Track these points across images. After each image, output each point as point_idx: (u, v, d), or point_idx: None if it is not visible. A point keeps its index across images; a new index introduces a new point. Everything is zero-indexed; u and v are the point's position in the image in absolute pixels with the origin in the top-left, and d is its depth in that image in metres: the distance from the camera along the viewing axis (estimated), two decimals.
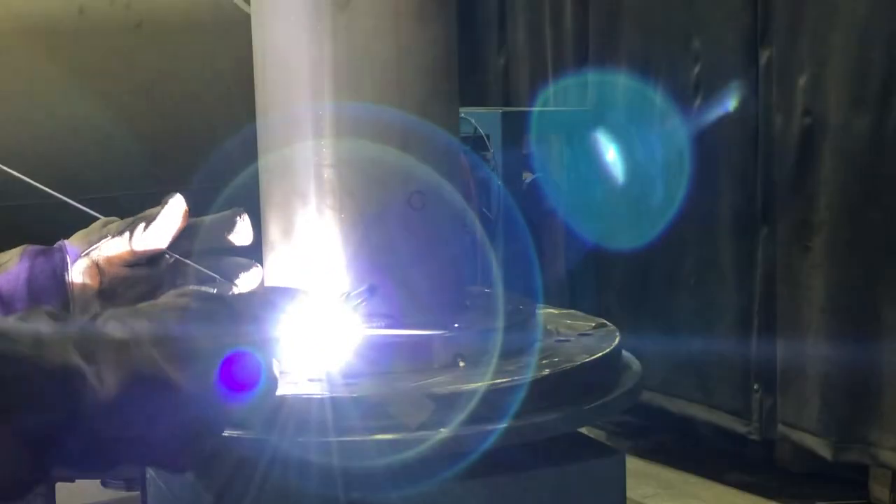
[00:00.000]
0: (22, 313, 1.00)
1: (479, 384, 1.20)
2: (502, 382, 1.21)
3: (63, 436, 0.94)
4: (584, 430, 1.35)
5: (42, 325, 0.96)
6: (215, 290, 1.29)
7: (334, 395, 1.18)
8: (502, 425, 1.18)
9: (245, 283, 1.31)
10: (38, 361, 0.93)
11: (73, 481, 2.33)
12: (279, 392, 1.11)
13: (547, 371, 1.26)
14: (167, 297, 1.10)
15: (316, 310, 1.18)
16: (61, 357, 0.94)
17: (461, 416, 1.16)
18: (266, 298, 1.15)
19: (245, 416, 1.10)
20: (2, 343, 0.93)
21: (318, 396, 1.17)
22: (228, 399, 1.04)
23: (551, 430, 1.22)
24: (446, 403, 1.17)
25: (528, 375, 1.24)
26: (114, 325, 1.00)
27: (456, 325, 1.32)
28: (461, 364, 1.27)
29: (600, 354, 1.33)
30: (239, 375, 1.05)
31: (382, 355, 1.26)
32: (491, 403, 1.18)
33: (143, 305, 1.09)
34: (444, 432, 1.15)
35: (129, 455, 1.01)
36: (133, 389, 0.97)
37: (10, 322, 0.97)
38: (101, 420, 0.96)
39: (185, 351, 1.01)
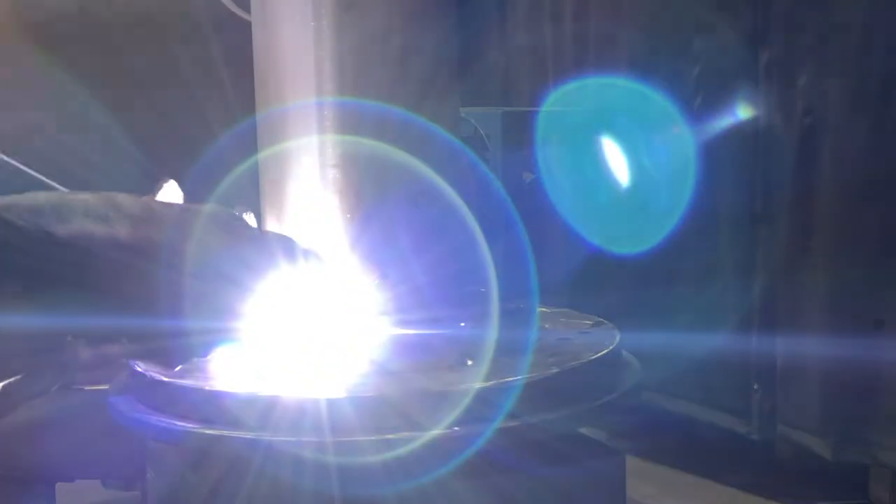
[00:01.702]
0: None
1: (492, 382, 1.20)
2: (515, 380, 1.22)
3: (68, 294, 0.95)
4: (583, 429, 1.35)
5: (38, 196, 0.98)
6: None
7: (352, 395, 1.17)
8: (517, 422, 1.19)
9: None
10: (39, 225, 0.94)
11: (73, 481, 2.33)
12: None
13: (556, 369, 1.26)
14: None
15: (324, 282, 1.19)
16: (63, 224, 0.95)
17: (477, 413, 1.17)
18: (284, 239, 1.16)
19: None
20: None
21: (338, 397, 1.17)
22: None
23: (567, 426, 1.23)
24: (461, 402, 1.17)
25: (539, 373, 1.24)
26: (130, 202, 1.02)
27: (462, 325, 1.32)
28: (469, 363, 1.27)
29: (606, 351, 1.33)
30: None
31: (392, 354, 1.26)
32: (505, 401, 1.19)
33: (158, 200, 1.11)
34: (458, 430, 1.15)
35: (124, 308, 1.01)
36: (145, 254, 0.98)
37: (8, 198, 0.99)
38: (114, 265, 0.97)
39: (196, 237, 1.03)
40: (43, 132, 2.19)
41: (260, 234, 1.14)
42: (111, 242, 0.98)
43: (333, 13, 1.29)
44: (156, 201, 1.07)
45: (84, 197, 1.02)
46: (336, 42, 1.29)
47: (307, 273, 1.15)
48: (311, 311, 1.19)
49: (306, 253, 1.16)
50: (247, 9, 2.26)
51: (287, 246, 1.14)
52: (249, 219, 1.35)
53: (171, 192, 1.34)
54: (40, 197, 1.00)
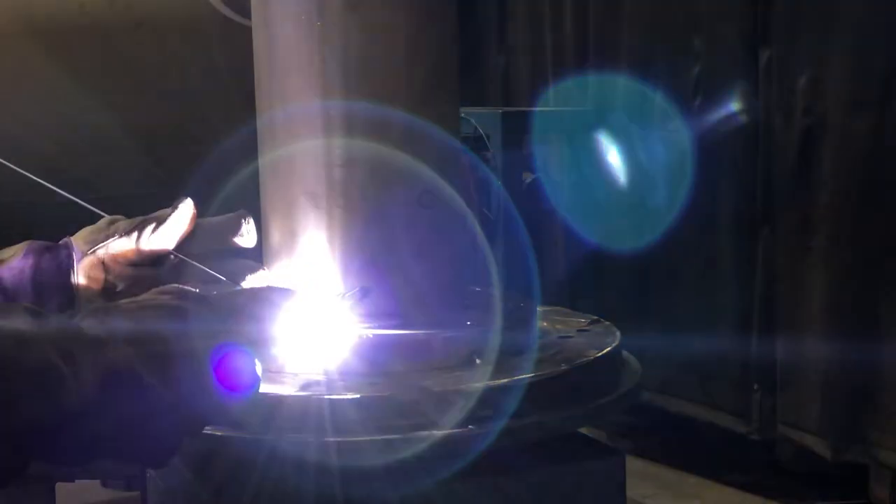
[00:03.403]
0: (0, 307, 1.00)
1: (505, 380, 1.21)
2: (526, 378, 1.22)
3: (42, 433, 0.95)
4: (583, 429, 1.35)
5: (22, 324, 0.97)
6: (215, 291, 1.29)
7: (364, 394, 1.17)
8: (534, 419, 1.19)
9: (251, 285, 1.31)
10: (18, 359, 0.93)
11: (72, 481, 2.33)
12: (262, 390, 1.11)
13: (564, 366, 1.26)
14: (148, 294, 1.10)
15: (310, 308, 1.18)
16: (41, 356, 0.94)
17: (491, 412, 1.17)
18: (255, 296, 1.14)
19: (228, 414, 1.10)
20: None
21: (354, 397, 1.17)
22: (206, 399, 1.04)
23: (581, 423, 1.24)
24: (475, 400, 1.17)
25: (549, 371, 1.24)
26: (91, 323, 1.00)
27: (468, 324, 1.32)
28: (477, 361, 1.27)
29: (610, 348, 1.34)
30: (222, 377, 1.05)
31: (400, 354, 1.26)
32: (518, 399, 1.19)
33: (122, 302, 1.09)
34: (474, 429, 1.15)
35: (107, 451, 1.01)
36: (109, 389, 0.97)
37: None
38: (80, 418, 0.96)
39: (161, 350, 1.01)
40: (42, 132, 2.19)
41: (227, 304, 1.12)
42: (76, 383, 0.96)
43: (338, 13, 1.29)
44: (122, 314, 1.04)
45: (50, 330, 0.99)
46: (341, 42, 1.29)
47: (294, 312, 1.15)
48: (310, 324, 1.19)
49: (284, 294, 1.15)
50: (240, 11, 2.27)
51: (256, 305, 1.13)
52: (249, 224, 1.34)
53: (249, 232, 1.33)
54: (23, 325, 0.98)
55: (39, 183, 1.31)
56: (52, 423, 0.95)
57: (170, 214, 1.32)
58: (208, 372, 1.03)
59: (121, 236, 1.32)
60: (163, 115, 2.30)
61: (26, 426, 0.93)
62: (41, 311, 1.00)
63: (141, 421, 1.00)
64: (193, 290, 1.12)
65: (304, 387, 1.20)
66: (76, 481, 2.32)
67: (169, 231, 1.31)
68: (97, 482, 2.36)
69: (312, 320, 1.19)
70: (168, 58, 2.33)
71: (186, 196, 1.33)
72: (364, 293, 1.23)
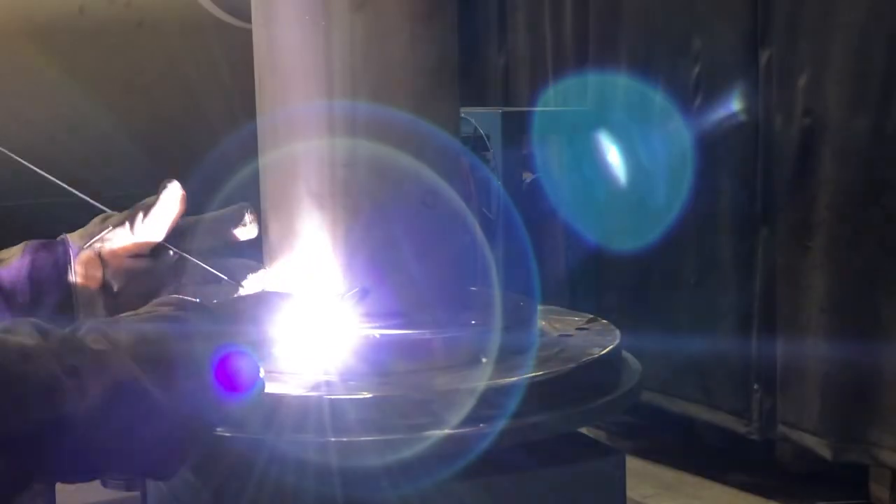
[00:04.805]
0: (7, 324, 1.01)
1: (514, 379, 1.21)
2: (537, 376, 1.22)
3: (47, 446, 0.95)
4: (583, 429, 1.35)
5: (27, 339, 0.97)
6: (216, 290, 1.29)
7: (376, 394, 1.17)
8: (545, 416, 1.19)
9: (251, 283, 1.31)
10: (23, 374, 0.94)
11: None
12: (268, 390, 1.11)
13: (572, 364, 1.26)
14: (149, 307, 1.11)
15: (310, 311, 1.18)
16: (45, 370, 0.95)
17: (501, 411, 1.17)
18: (254, 303, 1.15)
19: (232, 418, 1.11)
20: None
21: (364, 396, 1.17)
22: (209, 406, 1.05)
23: (592, 420, 1.24)
24: (485, 399, 1.17)
25: (557, 369, 1.24)
26: (94, 337, 1.01)
27: (472, 323, 1.32)
28: (483, 361, 1.27)
29: (613, 346, 1.34)
30: (224, 380, 1.05)
31: (405, 354, 1.26)
32: (529, 397, 1.19)
33: (124, 315, 1.10)
34: (484, 427, 1.15)
35: (114, 464, 1.02)
36: (114, 401, 0.97)
37: None
38: (85, 431, 0.96)
39: (164, 361, 1.02)
40: (43, 132, 2.19)
41: (229, 311, 1.13)
42: (80, 396, 0.97)
43: (343, 13, 1.28)
44: (122, 331, 1.05)
45: (53, 345, 0.99)
46: (346, 43, 1.29)
47: (294, 315, 1.15)
48: (311, 324, 1.19)
49: (283, 298, 1.16)
50: (231, 12, 2.27)
51: (255, 312, 1.13)
52: (251, 216, 1.34)
53: (250, 224, 1.34)
54: (28, 337, 0.99)
55: (39, 183, 1.31)
56: (57, 437, 0.95)
57: (157, 199, 1.31)
58: (209, 375, 1.04)
59: (114, 228, 1.31)
60: (162, 114, 2.30)
61: (32, 440, 0.94)
62: (47, 327, 1.01)
63: (145, 431, 1.01)
64: (193, 300, 1.13)
65: (310, 387, 1.20)
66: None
67: (160, 215, 1.31)
68: (97, 482, 2.35)
69: (313, 321, 1.19)
70: (168, 58, 2.33)
71: (172, 179, 1.32)
72: (364, 293, 1.24)
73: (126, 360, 1.00)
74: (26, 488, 0.97)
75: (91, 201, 1.33)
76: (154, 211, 1.31)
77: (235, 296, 1.27)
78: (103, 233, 1.32)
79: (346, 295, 1.24)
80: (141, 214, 1.31)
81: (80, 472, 1.02)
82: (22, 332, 0.99)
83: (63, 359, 0.97)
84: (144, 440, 1.01)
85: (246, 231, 1.34)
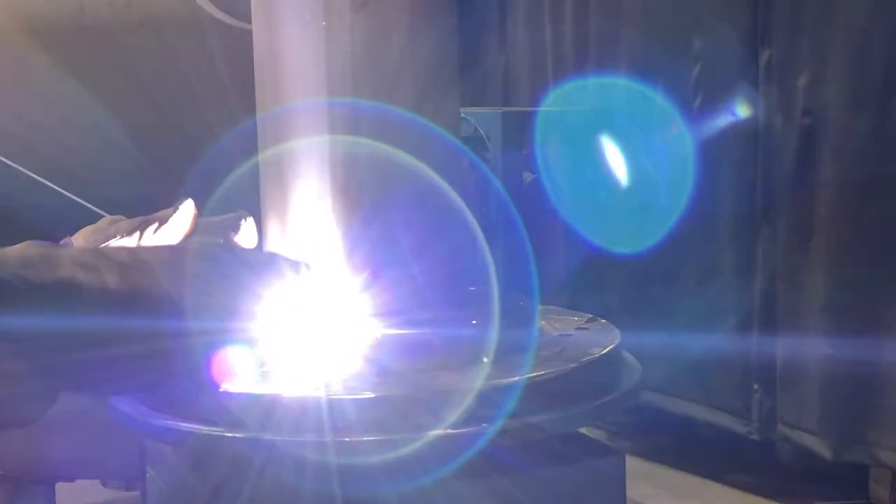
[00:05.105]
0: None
1: (514, 378, 1.21)
2: (539, 375, 1.22)
3: (63, 352, 0.96)
4: (583, 429, 1.35)
5: (29, 249, 0.99)
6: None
7: (376, 393, 1.17)
8: (545, 416, 1.19)
9: (245, 230, 1.33)
10: (26, 277, 0.95)
11: (73, 481, 2.33)
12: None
13: (574, 364, 1.26)
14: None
15: (319, 290, 1.19)
16: (52, 273, 0.96)
17: (504, 410, 1.17)
18: (264, 262, 1.17)
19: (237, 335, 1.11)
20: None
21: (367, 396, 1.17)
22: (212, 321, 1.06)
23: (596, 419, 1.24)
24: (487, 398, 1.17)
25: (559, 368, 1.24)
26: (117, 250, 1.03)
27: (473, 322, 1.32)
28: (485, 360, 1.27)
29: (615, 345, 1.34)
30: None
31: (409, 353, 1.26)
32: (529, 397, 1.19)
33: (144, 246, 1.12)
34: (484, 427, 1.15)
35: (126, 371, 1.02)
36: (136, 301, 0.99)
37: None
38: (102, 326, 0.98)
39: (186, 277, 1.04)
40: (43, 132, 2.19)
41: (249, 258, 1.15)
42: (100, 289, 0.99)
43: (343, 13, 1.29)
44: (143, 248, 1.08)
45: (71, 250, 1.03)
46: (346, 42, 1.29)
47: (302, 287, 1.16)
48: (312, 319, 1.20)
49: (296, 265, 1.18)
50: (229, 11, 2.27)
51: (277, 264, 1.15)
52: (249, 224, 1.35)
53: (249, 232, 1.35)
54: (31, 250, 1.02)
55: (40, 184, 1.31)
56: (72, 340, 0.97)
57: (172, 215, 1.32)
58: (215, 294, 1.07)
59: (122, 237, 1.32)
60: (162, 114, 2.30)
61: (45, 344, 0.95)
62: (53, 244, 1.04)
63: (162, 342, 1.03)
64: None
65: (309, 387, 1.20)
66: (76, 481, 2.32)
67: (171, 231, 1.32)
68: (97, 482, 2.35)
69: (319, 304, 1.19)
70: (168, 57, 2.33)
71: (187, 197, 1.33)
72: (374, 277, 1.24)
73: (150, 270, 1.03)
74: (51, 400, 0.98)
75: (88, 205, 1.33)
76: (167, 227, 1.32)
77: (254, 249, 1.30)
78: (109, 241, 1.32)
79: (355, 279, 1.24)
80: (153, 228, 1.32)
81: (93, 381, 1.04)
82: (22, 247, 1.04)
83: (81, 260, 1.01)
84: (159, 349, 1.04)
85: (244, 240, 1.35)
